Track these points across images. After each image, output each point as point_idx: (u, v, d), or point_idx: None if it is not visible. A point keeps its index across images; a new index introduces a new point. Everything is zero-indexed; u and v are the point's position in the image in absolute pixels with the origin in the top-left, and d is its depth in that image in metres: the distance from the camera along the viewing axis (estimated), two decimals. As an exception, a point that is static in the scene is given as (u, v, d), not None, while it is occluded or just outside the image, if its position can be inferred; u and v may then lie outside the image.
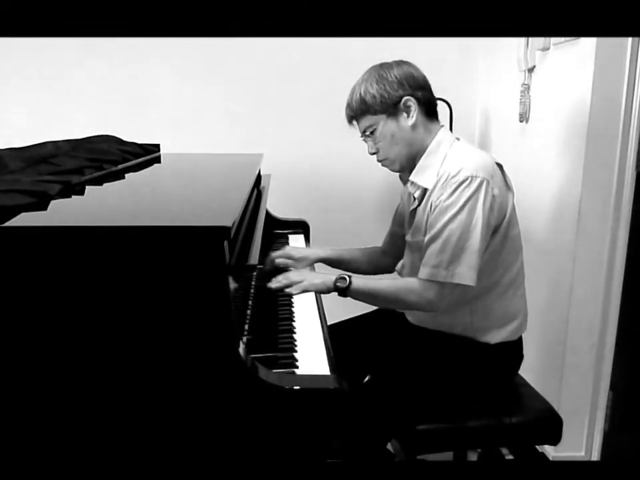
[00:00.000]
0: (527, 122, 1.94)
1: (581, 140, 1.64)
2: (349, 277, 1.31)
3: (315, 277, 1.35)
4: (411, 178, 1.39)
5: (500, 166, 1.34)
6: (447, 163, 1.32)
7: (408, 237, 1.46)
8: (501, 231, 1.31)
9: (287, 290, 1.31)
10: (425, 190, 1.35)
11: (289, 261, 1.49)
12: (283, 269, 1.45)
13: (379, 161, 1.42)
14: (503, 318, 1.37)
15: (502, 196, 1.28)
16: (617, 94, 1.59)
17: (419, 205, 1.39)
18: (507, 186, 1.34)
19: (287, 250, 1.53)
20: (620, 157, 1.63)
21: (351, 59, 2.16)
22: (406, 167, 1.41)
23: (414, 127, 1.34)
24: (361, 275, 1.36)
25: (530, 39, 1.84)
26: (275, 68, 2.24)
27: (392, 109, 1.33)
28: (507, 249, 1.34)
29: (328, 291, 1.32)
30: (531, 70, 1.89)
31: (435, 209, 1.29)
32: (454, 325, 1.38)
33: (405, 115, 1.33)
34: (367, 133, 1.38)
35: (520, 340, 1.43)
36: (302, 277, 1.33)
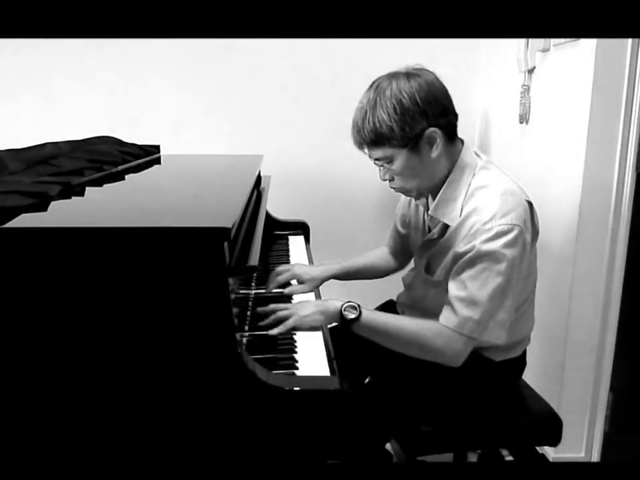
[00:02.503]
0: (527, 123, 1.94)
1: (581, 141, 1.64)
2: (359, 306, 1.17)
3: (306, 309, 1.19)
4: (430, 213, 1.28)
5: (530, 204, 1.21)
6: (473, 198, 1.20)
7: (422, 272, 1.36)
8: (523, 273, 1.22)
9: (274, 331, 1.14)
10: (446, 225, 1.25)
11: (297, 287, 1.41)
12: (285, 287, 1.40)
13: (392, 187, 1.29)
14: (510, 343, 1.32)
15: (531, 240, 1.19)
16: (617, 95, 1.59)
17: (437, 237, 1.30)
18: (534, 227, 1.23)
19: (294, 270, 1.44)
20: (620, 157, 1.63)
21: (352, 59, 2.17)
22: (424, 196, 1.31)
23: (438, 158, 1.21)
24: (371, 309, 1.23)
25: (530, 39, 1.84)
26: (275, 69, 2.24)
27: (413, 142, 1.17)
28: (524, 284, 1.27)
29: (330, 322, 1.19)
30: (531, 71, 1.89)
31: (463, 255, 1.16)
32: None
33: (427, 147, 1.19)
34: (381, 162, 1.24)
35: (524, 353, 1.40)
36: (290, 312, 1.18)
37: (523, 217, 1.15)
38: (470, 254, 1.14)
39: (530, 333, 1.40)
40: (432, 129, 1.17)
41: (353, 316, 1.17)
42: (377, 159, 1.24)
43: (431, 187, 1.26)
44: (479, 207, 1.17)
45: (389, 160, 1.21)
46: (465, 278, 1.15)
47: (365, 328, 1.18)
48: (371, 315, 1.19)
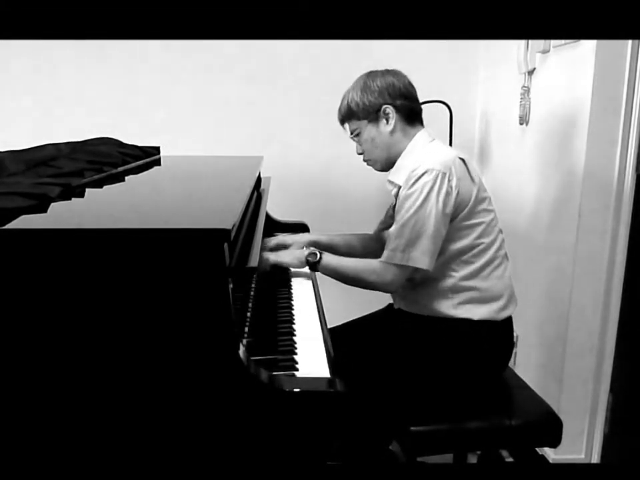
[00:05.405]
0: (527, 124, 1.95)
1: (581, 142, 1.64)
2: (320, 253, 1.45)
3: (285, 255, 1.50)
4: (388, 178, 1.53)
5: (463, 160, 1.40)
6: (417, 162, 1.40)
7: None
8: (461, 218, 1.38)
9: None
10: (400, 188, 1.44)
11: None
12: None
13: (364, 160, 1.56)
14: (482, 296, 1.41)
15: (463, 187, 1.36)
16: (617, 96, 1.59)
17: (396, 202, 1.47)
18: (471, 178, 1.40)
19: (279, 238, 1.64)
20: (620, 159, 1.63)
21: (352, 61, 2.16)
22: (386, 168, 1.54)
23: (392, 132, 1.47)
24: (333, 255, 1.49)
25: (530, 41, 1.84)
26: (275, 70, 2.25)
27: (372, 115, 1.46)
28: (475, 234, 1.40)
29: (300, 265, 1.47)
30: (531, 72, 1.90)
31: (398, 200, 1.41)
32: (438, 304, 1.42)
33: (384, 121, 1.47)
34: (354, 135, 1.52)
35: (508, 323, 1.44)
36: (276, 254, 1.50)
37: (449, 166, 1.35)
38: (402, 196, 1.38)
39: (507, 296, 1.44)
40: (387, 105, 1.44)
41: (314, 260, 1.45)
42: (351, 133, 1.53)
43: (390, 158, 1.51)
44: (415, 164, 1.38)
45: (358, 132, 1.50)
46: (397, 218, 1.38)
47: (324, 270, 1.46)
48: (328, 261, 1.45)
